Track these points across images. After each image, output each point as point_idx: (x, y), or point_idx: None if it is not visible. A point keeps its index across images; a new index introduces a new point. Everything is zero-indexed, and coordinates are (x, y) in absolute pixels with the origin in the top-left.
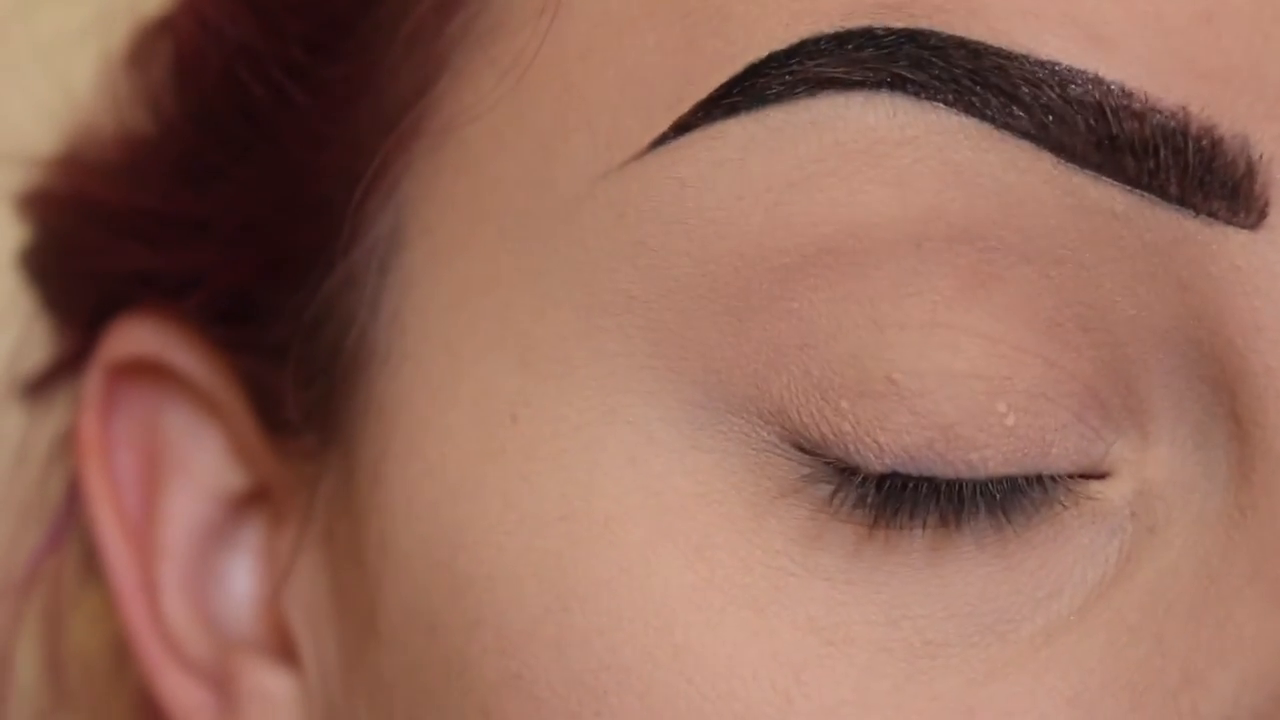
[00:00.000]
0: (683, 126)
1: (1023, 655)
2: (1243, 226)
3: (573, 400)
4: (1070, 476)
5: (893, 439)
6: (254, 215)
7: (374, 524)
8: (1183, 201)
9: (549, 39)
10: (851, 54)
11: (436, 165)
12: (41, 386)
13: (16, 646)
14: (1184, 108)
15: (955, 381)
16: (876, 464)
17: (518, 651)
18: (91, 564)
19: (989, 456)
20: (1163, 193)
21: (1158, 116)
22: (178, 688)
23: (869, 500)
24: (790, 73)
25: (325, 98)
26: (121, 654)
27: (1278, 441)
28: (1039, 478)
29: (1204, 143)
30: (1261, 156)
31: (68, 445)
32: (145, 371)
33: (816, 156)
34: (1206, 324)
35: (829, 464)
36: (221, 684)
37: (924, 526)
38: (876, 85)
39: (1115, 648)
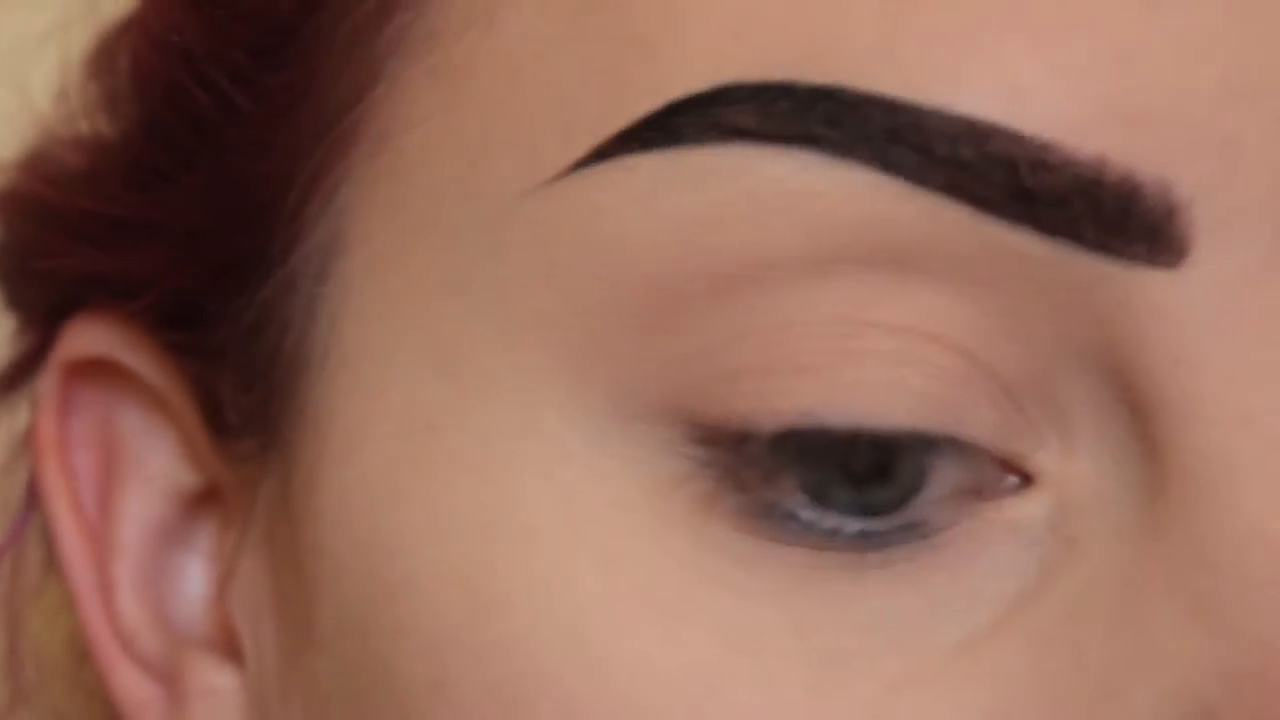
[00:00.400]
0: (601, 154)
1: (939, 666)
2: (1163, 266)
3: (491, 412)
4: (991, 457)
5: (790, 402)
6: (199, 221)
7: (309, 529)
8: (1101, 247)
9: (481, 51)
10: (768, 106)
11: (374, 173)
12: (6, 384)
13: None
14: (1101, 156)
15: (858, 355)
16: (769, 427)
17: (440, 659)
18: (52, 560)
19: (895, 409)
20: (1080, 240)
21: (1073, 168)
22: (130, 683)
23: (765, 460)
24: (706, 117)
25: (268, 105)
26: (81, 650)
27: (1193, 461)
28: (963, 502)
29: (1122, 190)
30: (1182, 198)
31: (28, 443)
32: (101, 371)
33: (727, 201)
34: (1126, 354)
35: (724, 444)
36: (172, 680)
37: (809, 505)
38: (788, 141)
39: (1034, 660)
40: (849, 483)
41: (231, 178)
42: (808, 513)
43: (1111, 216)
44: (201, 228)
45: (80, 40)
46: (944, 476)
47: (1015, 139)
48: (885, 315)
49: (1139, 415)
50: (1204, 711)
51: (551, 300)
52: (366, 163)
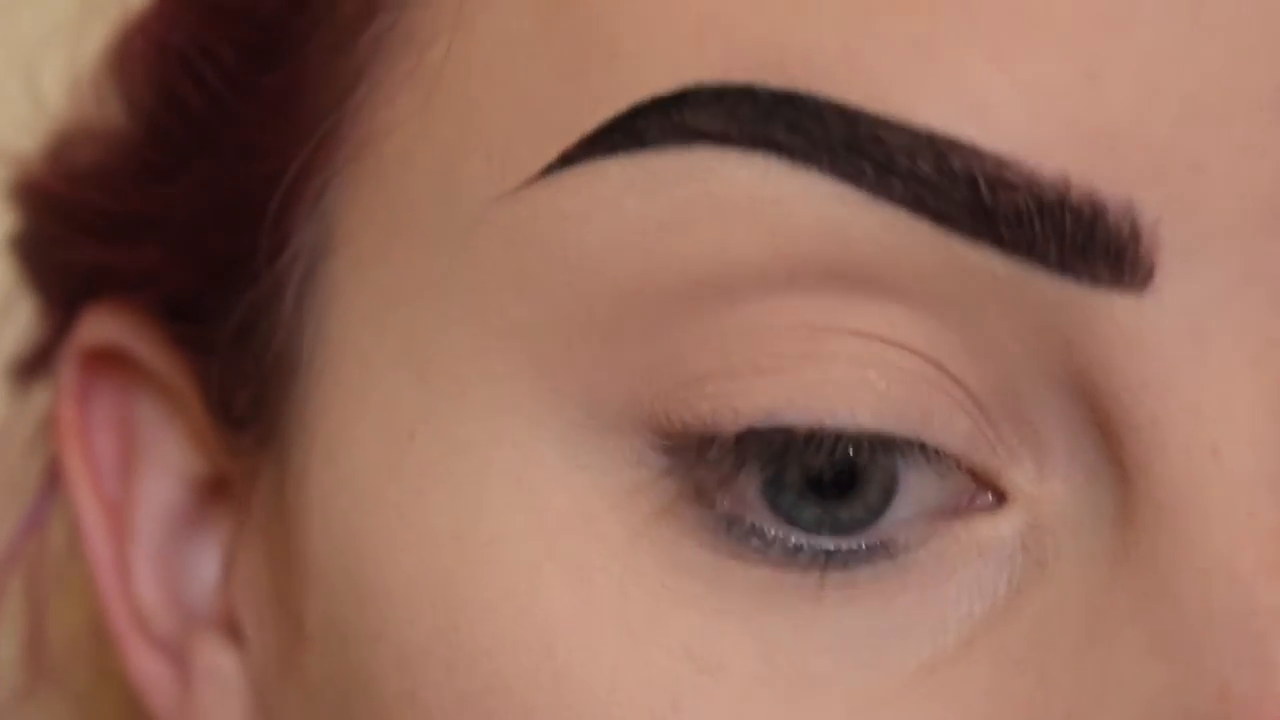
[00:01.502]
0: (567, 159)
1: (905, 687)
2: (1128, 290)
3: (465, 420)
4: (960, 467)
5: (750, 402)
6: (195, 220)
7: (299, 526)
8: (1064, 268)
9: (456, 55)
10: (730, 110)
11: (359, 175)
12: (30, 369)
13: None
14: (1064, 175)
15: (821, 358)
16: (731, 427)
17: (412, 669)
18: (76, 545)
19: (858, 410)
20: (1042, 260)
21: (1035, 187)
22: (144, 662)
23: (726, 462)
24: (668, 121)
25: (258, 105)
26: (102, 633)
27: (1160, 490)
28: (935, 520)
29: (1085, 210)
30: (1147, 220)
31: (49, 427)
32: (118, 360)
33: (688, 203)
34: (1093, 377)
35: (687, 450)
36: (183, 660)
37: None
38: (751, 145)
39: (999, 681)
40: (816, 498)
41: (224, 177)
42: (772, 529)
43: (1074, 237)
44: (197, 226)
45: (92, 36)
46: (915, 492)
47: (975, 154)
48: (849, 322)
49: (1110, 439)
50: None
51: (523, 308)
52: (351, 165)
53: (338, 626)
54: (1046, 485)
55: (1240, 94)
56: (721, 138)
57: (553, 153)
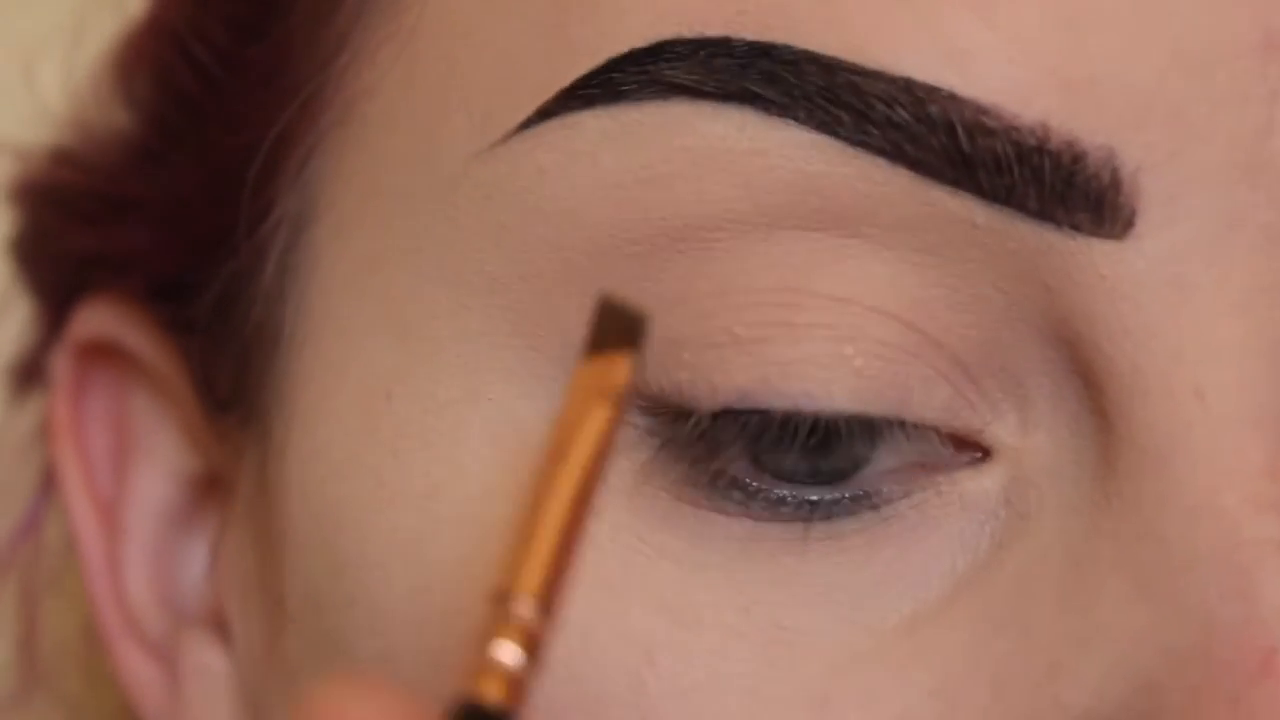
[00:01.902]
0: (545, 113)
1: (885, 645)
2: (1108, 237)
3: (440, 379)
4: (941, 436)
5: (726, 379)
6: (184, 196)
7: (279, 506)
8: (1043, 216)
9: (435, 17)
10: (706, 62)
11: (341, 141)
12: (27, 370)
13: None
14: (1044, 122)
15: (797, 329)
16: (708, 403)
17: (386, 631)
18: (70, 549)
19: (834, 392)
20: (1022, 207)
21: (1014, 133)
22: (134, 663)
23: (706, 435)
24: (645, 73)
25: (245, 78)
26: (95, 638)
27: (1143, 435)
28: (916, 475)
29: (1064, 158)
30: (1127, 168)
31: (44, 430)
32: (111, 355)
33: (665, 158)
34: (1075, 326)
35: (666, 416)
36: (173, 661)
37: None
38: (726, 98)
39: (981, 637)
40: (799, 451)
41: (210, 152)
42: (755, 482)
43: (1054, 184)
44: (184, 203)
45: (91, 35)
46: (896, 452)
47: (953, 101)
48: (826, 285)
49: (1092, 388)
50: (1147, 687)
51: (500, 264)
52: (334, 131)
53: (314, 598)
54: (1029, 438)
55: (1223, 42)
56: (698, 90)
57: (530, 108)
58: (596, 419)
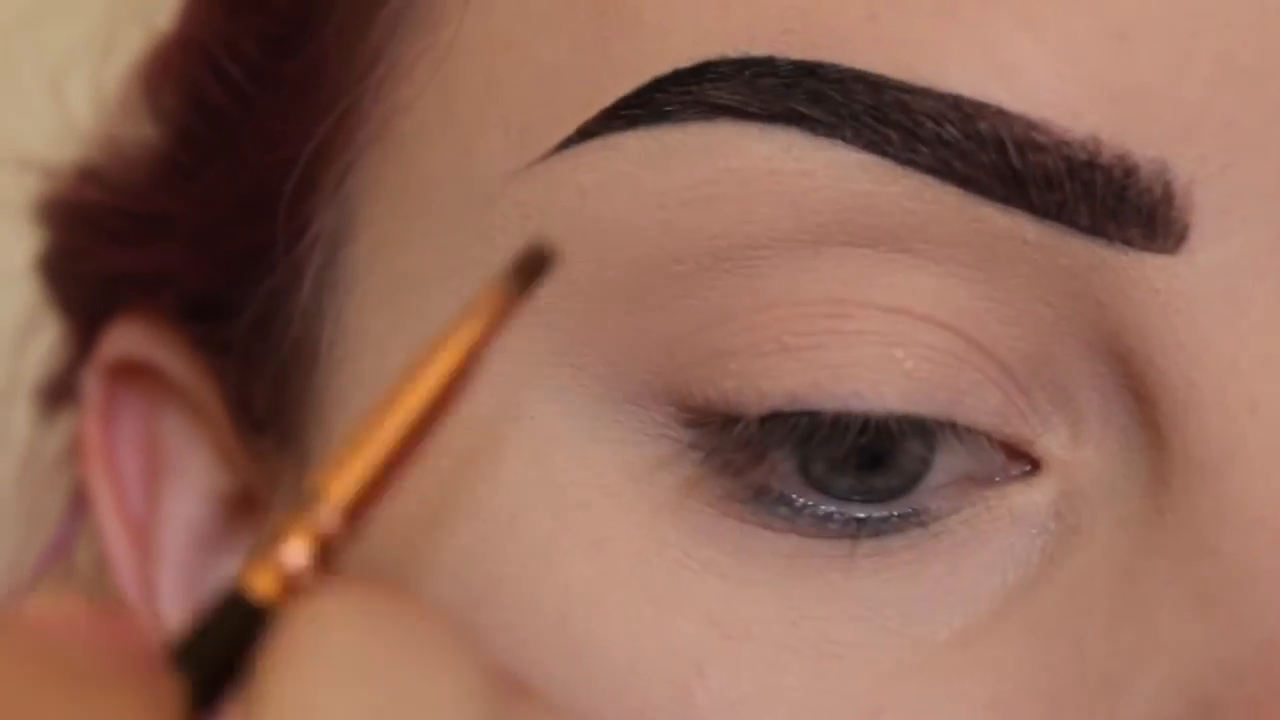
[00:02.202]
0: (586, 132)
1: (937, 658)
2: (1161, 251)
3: (480, 397)
4: (992, 442)
5: (775, 383)
6: (217, 214)
7: None
8: (1095, 231)
9: (474, 32)
10: (750, 82)
11: (379, 157)
12: (57, 394)
13: None
14: (1095, 136)
15: (847, 336)
16: (756, 408)
17: None
18: (102, 569)
19: (885, 393)
20: (1073, 223)
21: (1065, 148)
22: None
23: (754, 442)
24: (689, 94)
25: (279, 94)
26: None
27: (1197, 449)
28: (967, 489)
29: (1116, 172)
30: (1180, 181)
31: (75, 451)
32: (142, 375)
33: (710, 179)
34: (1127, 340)
35: (712, 426)
36: None
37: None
38: (772, 118)
39: (1034, 651)
40: (850, 469)
41: (245, 168)
42: (801, 498)
43: (1105, 199)
44: (218, 220)
45: (117, 49)
46: (948, 463)
47: (1003, 117)
48: (875, 296)
49: (1144, 402)
50: (1204, 702)
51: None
52: (371, 147)
53: None
54: (1080, 451)
55: (1273, 51)
56: (742, 111)
57: (571, 126)
58: (458, 339)
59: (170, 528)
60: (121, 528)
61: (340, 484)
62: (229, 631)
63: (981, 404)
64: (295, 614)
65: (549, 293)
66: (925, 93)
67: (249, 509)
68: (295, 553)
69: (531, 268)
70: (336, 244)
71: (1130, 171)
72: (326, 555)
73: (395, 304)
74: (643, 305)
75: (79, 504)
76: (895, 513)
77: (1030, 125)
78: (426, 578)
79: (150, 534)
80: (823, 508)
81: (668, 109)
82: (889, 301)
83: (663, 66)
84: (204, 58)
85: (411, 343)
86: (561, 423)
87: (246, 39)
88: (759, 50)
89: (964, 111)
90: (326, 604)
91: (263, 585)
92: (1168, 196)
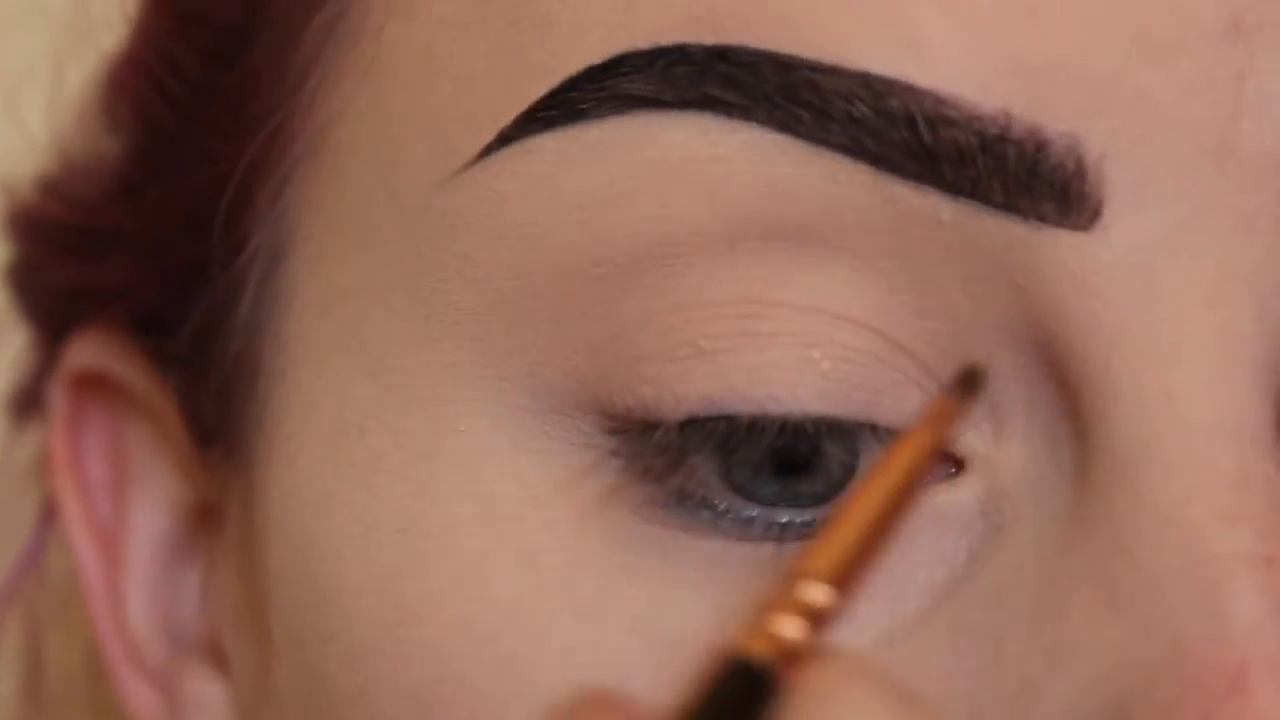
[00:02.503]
0: (504, 138)
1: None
2: (1075, 228)
3: (412, 411)
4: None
5: (690, 388)
6: (162, 229)
7: (262, 536)
8: (1009, 207)
9: (396, 43)
10: (664, 71)
11: (313, 171)
12: (25, 403)
13: None
14: (1006, 110)
15: (761, 338)
16: (673, 414)
17: (363, 666)
18: (73, 580)
19: (801, 395)
20: (987, 199)
21: (976, 123)
22: (137, 693)
23: (674, 446)
24: (603, 89)
25: (216, 108)
26: (98, 667)
27: (1115, 442)
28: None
29: (1028, 146)
30: (1092, 155)
31: (44, 462)
32: (107, 386)
33: (627, 173)
34: (1046, 325)
35: (632, 433)
36: (171, 690)
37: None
38: (686, 105)
39: (956, 654)
40: (774, 474)
41: (187, 184)
42: (723, 503)
43: (1018, 174)
44: (165, 235)
45: (73, 63)
46: (872, 459)
47: (913, 93)
48: (790, 295)
49: (1066, 390)
50: (1117, 705)
51: (467, 294)
52: (306, 161)
53: (295, 632)
54: (1004, 447)
55: (1188, 25)
56: (657, 101)
57: (491, 133)
58: (915, 438)
59: (136, 538)
60: (89, 538)
61: (818, 563)
62: (735, 698)
63: (900, 404)
64: (804, 682)
65: (474, 304)
66: (834, 71)
67: (207, 521)
68: (787, 626)
69: (970, 382)
70: (275, 258)
71: (1042, 146)
72: (818, 627)
73: (333, 317)
74: (564, 313)
75: (49, 514)
76: (819, 516)
77: (940, 101)
78: (356, 596)
79: (118, 544)
80: (745, 512)
81: (583, 107)
82: (805, 300)
83: (575, 65)
84: (149, 74)
85: (349, 356)
86: (491, 435)
87: (189, 53)
88: (669, 39)
89: (873, 89)
90: (834, 674)
91: (759, 652)
92: (1080, 171)
